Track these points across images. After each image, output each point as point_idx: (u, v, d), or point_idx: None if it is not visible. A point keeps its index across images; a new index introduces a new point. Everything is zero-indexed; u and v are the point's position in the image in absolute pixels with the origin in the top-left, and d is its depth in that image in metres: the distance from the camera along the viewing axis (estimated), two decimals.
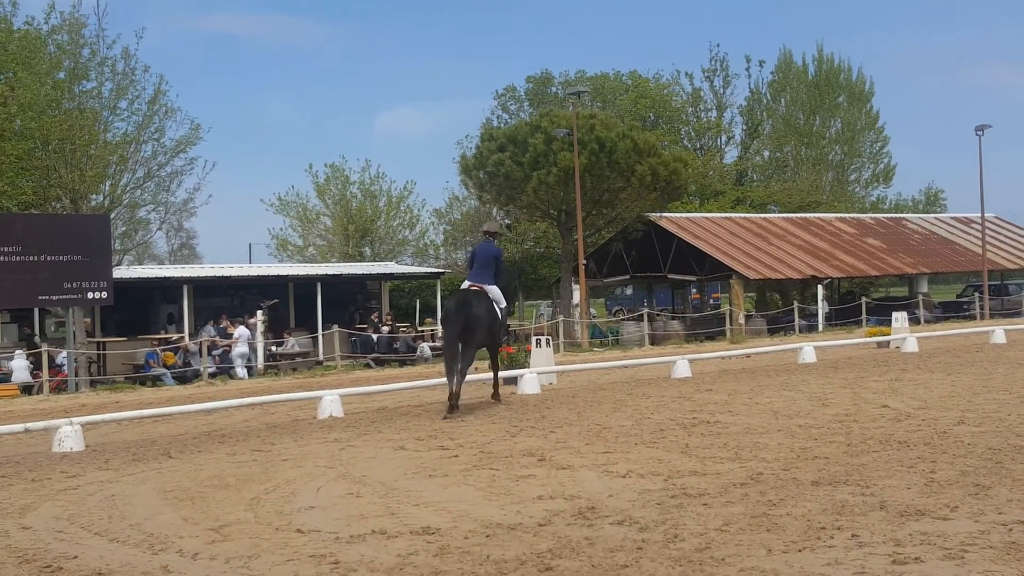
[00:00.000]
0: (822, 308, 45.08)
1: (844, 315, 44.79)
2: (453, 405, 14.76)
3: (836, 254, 48.24)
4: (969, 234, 54.69)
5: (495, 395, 16.49)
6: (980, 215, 50.19)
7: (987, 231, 50.68)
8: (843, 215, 56.43)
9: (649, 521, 7.38)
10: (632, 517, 7.53)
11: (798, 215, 54.25)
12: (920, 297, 46.28)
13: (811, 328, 42.82)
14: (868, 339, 27.84)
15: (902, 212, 65.04)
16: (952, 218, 59.43)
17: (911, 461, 9.30)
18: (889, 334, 27.63)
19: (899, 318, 28.18)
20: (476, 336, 15.58)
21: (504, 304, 16.36)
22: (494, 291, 16.18)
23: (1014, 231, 58.08)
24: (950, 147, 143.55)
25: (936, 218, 59.85)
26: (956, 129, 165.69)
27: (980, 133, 47.14)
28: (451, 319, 15.37)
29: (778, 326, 43.69)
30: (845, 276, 48.22)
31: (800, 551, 6.38)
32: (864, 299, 44.27)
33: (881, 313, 39.21)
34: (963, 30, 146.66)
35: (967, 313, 47.11)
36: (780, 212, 56.76)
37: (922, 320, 42.18)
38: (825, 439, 10.88)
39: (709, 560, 6.26)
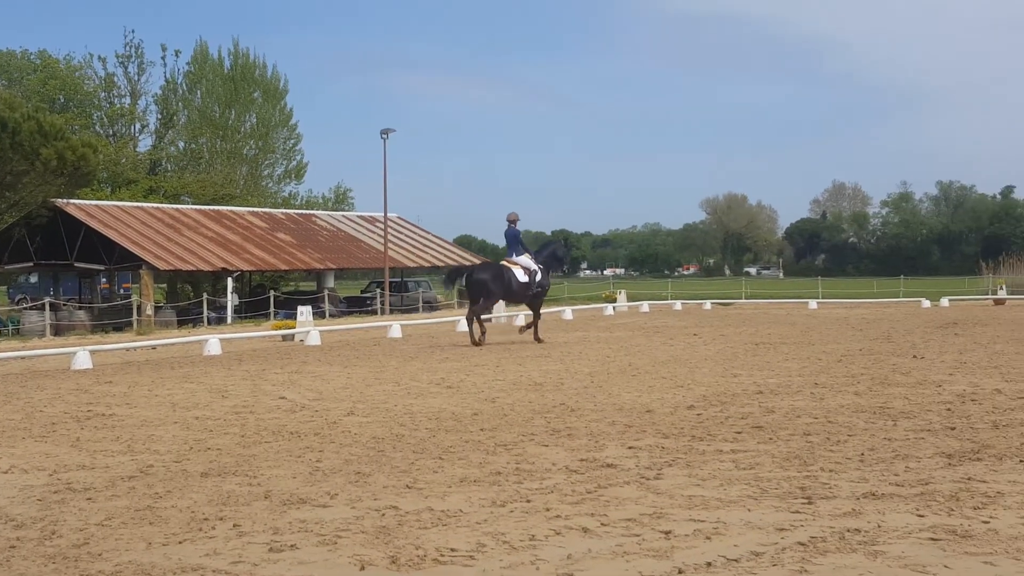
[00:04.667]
0: (232, 300, 45.42)
1: (254, 308, 45.37)
2: (475, 342, 22.47)
3: (247, 247, 48.74)
4: (374, 232, 57.33)
5: (535, 336, 23.30)
6: (383, 214, 52.95)
7: (390, 230, 53.59)
8: (255, 209, 57.08)
9: (27, 518, 7.10)
10: (9, 515, 7.21)
11: (211, 207, 54.15)
12: (327, 292, 47.81)
13: (221, 320, 43.02)
14: (273, 332, 28.46)
15: (313, 209, 66.86)
16: (359, 216, 61.98)
17: (300, 451, 9.63)
18: (294, 327, 28.41)
19: (304, 312, 29.04)
20: (480, 294, 22.78)
21: (535, 268, 23.39)
22: (523, 260, 23.42)
23: (415, 231, 61.63)
24: (359, 148, 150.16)
25: (344, 216, 62.15)
26: (366, 131, 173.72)
27: (385, 136, 49.80)
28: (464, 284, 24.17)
29: (188, 318, 43.44)
30: (256, 269, 48.84)
31: (180, 543, 6.41)
32: (273, 292, 45.04)
33: (290, 307, 40.03)
34: (375, 38, 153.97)
35: (370, 308, 49.43)
36: (193, 204, 56.37)
37: (327, 314, 43.68)
38: (220, 430, 11.00)
39: (86, 556, 6.13)
